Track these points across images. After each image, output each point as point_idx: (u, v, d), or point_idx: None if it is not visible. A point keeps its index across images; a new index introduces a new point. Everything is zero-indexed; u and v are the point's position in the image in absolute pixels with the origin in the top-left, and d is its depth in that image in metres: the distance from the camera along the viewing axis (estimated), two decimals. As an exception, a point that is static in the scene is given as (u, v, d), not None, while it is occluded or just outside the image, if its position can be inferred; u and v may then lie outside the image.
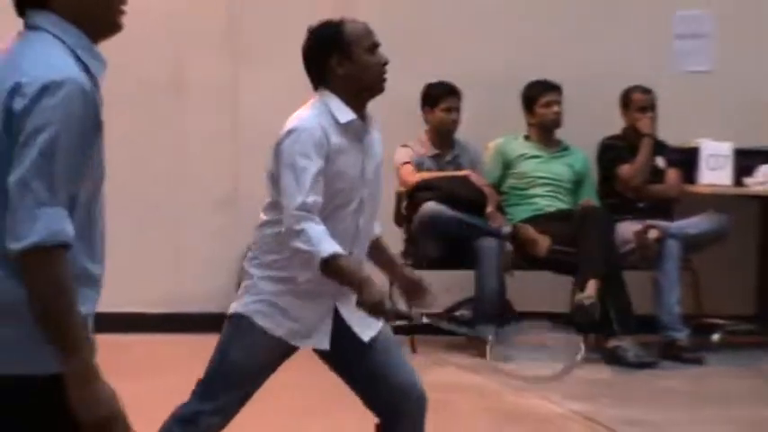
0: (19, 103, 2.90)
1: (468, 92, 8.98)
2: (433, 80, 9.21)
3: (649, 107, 8.96)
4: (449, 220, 8.88)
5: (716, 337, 9.23)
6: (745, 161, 8.78)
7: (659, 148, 9.11)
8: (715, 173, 8.95)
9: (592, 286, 8.46)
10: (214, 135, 9.62)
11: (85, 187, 2.96)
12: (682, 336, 8.75)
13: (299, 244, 4.31)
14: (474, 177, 8.92)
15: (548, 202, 9.02)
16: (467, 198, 8.88)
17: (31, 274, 2.88)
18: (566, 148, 9.12)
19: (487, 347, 8.21)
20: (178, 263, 9.67)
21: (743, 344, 9.35)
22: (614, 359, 8.49)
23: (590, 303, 8.41)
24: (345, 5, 8.87)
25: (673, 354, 8.72)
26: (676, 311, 8.80)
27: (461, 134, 9.14)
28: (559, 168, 9.09)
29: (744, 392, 8.26)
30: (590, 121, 9.24)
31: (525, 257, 8.91)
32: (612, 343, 8.51)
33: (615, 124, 9.24)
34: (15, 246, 2.87)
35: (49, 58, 2.95)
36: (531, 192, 9.07)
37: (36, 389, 3.01)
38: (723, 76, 9.40)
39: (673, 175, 9.06)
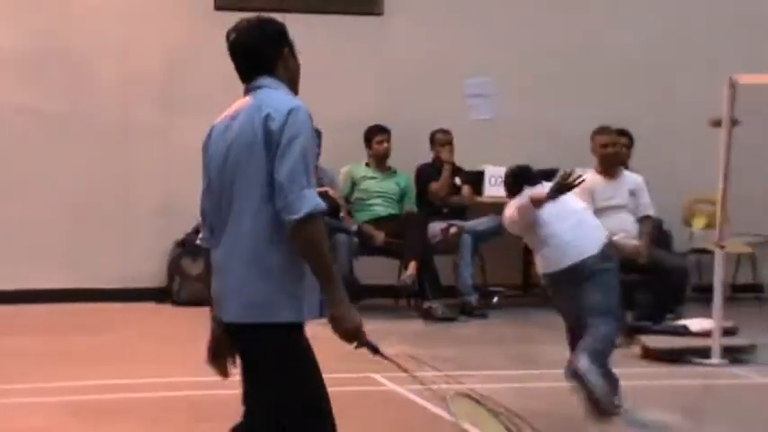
0: (274, 125, 3.57)
1: (327, 132, 9.61)
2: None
3: (448, 143, 9.90)
4: None
5: (495, 299, 10.28)
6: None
7: (457, 171, 9.93)
8: (495, 188, 9.83)
9: (412, 266, 9.53)
10: (152, 163, 10.26)
11: None
12: (473, 299, 9.78)
13: None
14: (331, 192, 9.81)
15: (382, 209, 10.21)
16: (327, 207, 9.76)
17: (306, 235, 3.49)
18: (394, 172, 10.28)
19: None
20: (127, 251, 10.35)
21: (513, 303, 10.37)
22: (427, 316, 9.45)
23: (411, 278, 9.50)
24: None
25: (467, 311, 9.69)
26: (469, 282, 9.84)
27: (322, 161, 9.88)
28: (390, 185, 10.25)
29: (515, 336, 9.15)
30: (410, 153, 10.22)
31: (367, 247, 9.88)
32: (426, 304, 9.53)
33: (427, 155, 10.23)
34: (294, 217, 3.49)
35: (284, 96, 3.70)
36: (371, 202, 10.25)
37: (282, 331, 3.62)
38: (501, 120, 10.10)
39: (467, 190, 10.02)
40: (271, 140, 3.57)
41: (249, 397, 3.72)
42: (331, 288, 3.52)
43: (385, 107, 10.18)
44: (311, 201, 3.51)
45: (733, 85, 7.95)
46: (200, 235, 3.88)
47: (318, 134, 9.31)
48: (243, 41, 3.78)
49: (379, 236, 9.61)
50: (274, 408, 3.62)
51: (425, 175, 10.05)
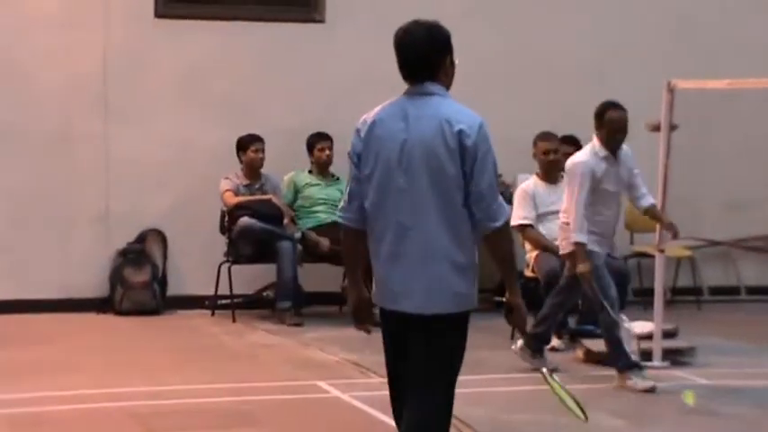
0: (469, 141, 3.98)
1: (270, 139, 10.00)
2: (243, 132, 10.06)
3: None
4: (258, 229, 9.68)
5: None
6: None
7: None
8: None
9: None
10: (93, 171, 10.19)
11: None
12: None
13: None
14: (275, 200, 9.87)
15: (326, 216, 10.03)
16: (270, 214, 9.78)
17: (502, 239, 4.04)
18: (337, 179, 10.08)
19: (286, 316, 9.41)
20: (67, 261, 10.27)
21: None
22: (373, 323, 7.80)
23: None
24: (201, 76, 9.84)
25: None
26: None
27: (266, 169, 10.09)
28: (333, 192, 10.08)
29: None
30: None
31: (311, 254, 9.81)
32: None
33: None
34: (495, 224, 4.04)
35: (465, 110, 4.09)
36: (315, 209, 10.17)
37: (466, 317, 4.18)
38: None
39: None
40: (465, 154, 3.99)
41: (424, 382, 4.14)
42: (514, 280, 4.14)
43: (327, 114, 10.20)
44: (506, 210, 4.07)
45: (671, 90, 8.05)
46: (343, 214, 4.25)
47: (260, 140, 9.87)
48: (415, 45, 4.10)
49: (324, 242, 9.63)
50: (447, 386, 4.15)
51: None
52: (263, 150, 9.82)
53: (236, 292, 9.88)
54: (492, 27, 10.71)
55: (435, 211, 4.01)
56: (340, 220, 4.22)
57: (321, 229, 9.93)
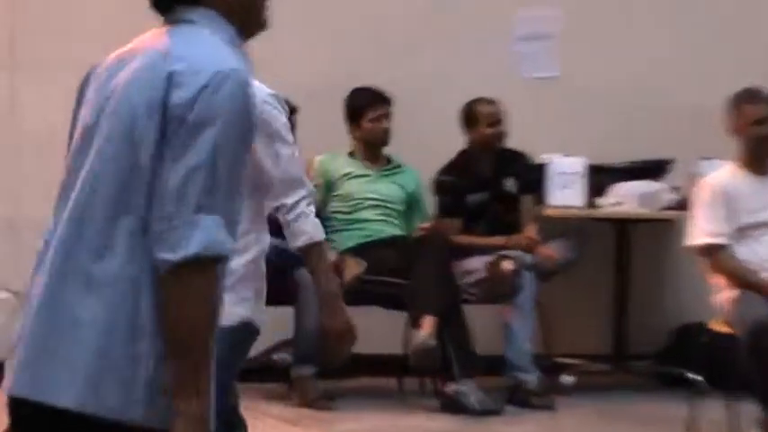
0: (180, 94, 2.75)
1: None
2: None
3: (498, 122, 8.23)
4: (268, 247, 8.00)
5: (569, 378, 8.61)
6: (599, 179, 8.06)
7: (507, 165, 8.31)
8: (565, 192, 8.46)
9: (428, 324, 7.67)
10: None
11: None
12: (531, 378, 8.02)
13: None
14: None
15: (379, 227, 8.21)
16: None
17: (186, 285, 2.78)
18: (398, 166, 8.20)
19: (310, 389, 7.81)
20: None
21: (598, 386, 8.72)
22: (454, 406, 7.82)
23: (426, 343, 7.67)
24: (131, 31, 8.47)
25: (522, 399, 8.06)
26: (527, 350, 8.07)
27: None
28: (390, 189, 8.20)
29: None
30: (419, 138, 8.40)
31: (353, 292, 7.82)
32: (452, 387, 7.80)
33: (446, 139, 8.39)
34: (172, 256, 2.75)
35: (214, 46, 2.85)
36: (358, 216, 8.25)
37: None
38: (571, 81, 8.64)
39: (528, 201, 8.37)
40: (168, 117, 2.74)
41: None
42: (195, 377, 2.75)
43: (368, 63, 8.50)
44: (207, 234, 2.69)
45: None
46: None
47: (292, 110, 7.51)
48: None
49: (354, 267, 8.01)
50: None
51: (449, 196, 8.41)
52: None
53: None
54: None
55: (98, 215, 2.89)
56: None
57: (367, 249, 8.13)
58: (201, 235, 2.67)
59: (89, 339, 2.71)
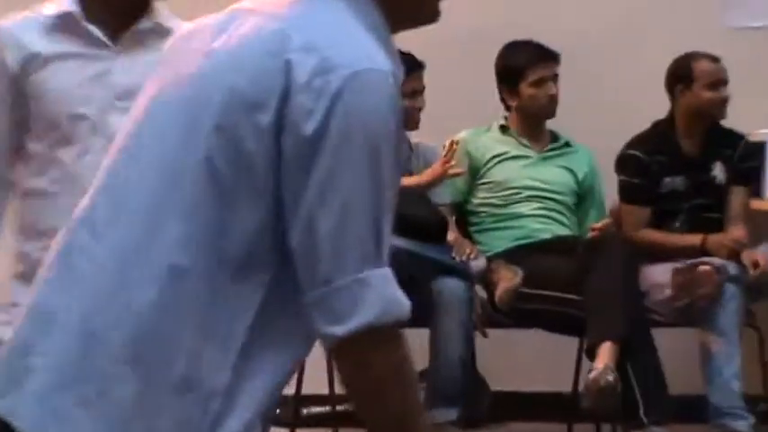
0: (307, 98, 2.28)
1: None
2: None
3: (722, 83, 6.92)
4: (392, 252, 7.24)
5: None
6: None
7: (724, 145, 6.99)
8: None
9: (606, 352, 6.36)
10: None
11: None
12: (743, 425, 6.89)
13: None
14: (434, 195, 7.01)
15: (541, 225, 6.96)
16: (419, 220, 6.86)
17: (361, 361, 2.52)
18: (567, 144, 6.87)
19: None
20: None
21: None
22: None
23: (605, 378, 6.35)
24: None
25: None
26: (735, 389, 6.69)
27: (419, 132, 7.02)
28: (556, 174, 6.85)
29: None
30: (592, 107, 7.11)
31: (504, 308, 6.72)
32: None
33: (630, 111, 7.07)
34: (339, 330, 2.45)
35: (355, 39, 2.40)
36: (514, 210, 7.03)
37: None
38: None
39: (739, 193, 7.11)
40: (295, 121, 2.28)
41: None
42: None
43: (526, 14, 7.43)
44: (383, 299, 2.31)
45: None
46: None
47: (418, 66, 7.03)
48: None
49: (510, 279, 6.81)
50: None
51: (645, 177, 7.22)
52: (421, 92, 6.92)
53: (338, 391, 7.11)
54: None
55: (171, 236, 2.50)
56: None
57: (528, 253, 6.90)
58: (373, 295, 2.43)
59: None
